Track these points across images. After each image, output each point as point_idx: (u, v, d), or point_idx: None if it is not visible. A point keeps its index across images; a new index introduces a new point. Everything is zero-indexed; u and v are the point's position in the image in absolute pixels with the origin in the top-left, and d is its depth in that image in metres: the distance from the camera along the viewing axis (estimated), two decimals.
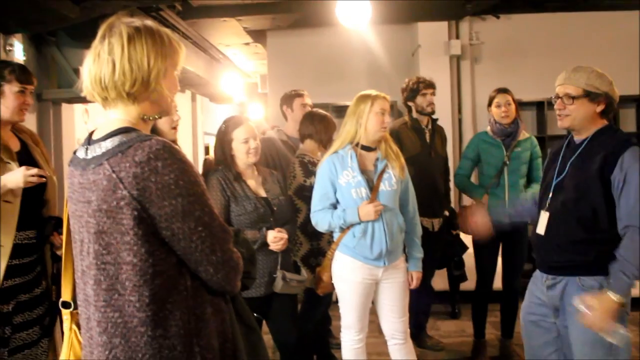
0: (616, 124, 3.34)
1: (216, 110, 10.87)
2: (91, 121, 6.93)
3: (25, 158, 2.60)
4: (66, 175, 1.53)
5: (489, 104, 4.01)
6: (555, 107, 2.42)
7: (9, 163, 2.47)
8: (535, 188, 3.95)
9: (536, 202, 2.69)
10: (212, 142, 10.97)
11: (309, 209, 3.39)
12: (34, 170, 2.42)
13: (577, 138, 2.44)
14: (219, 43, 7.58)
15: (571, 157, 2.42)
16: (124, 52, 1.39)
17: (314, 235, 3.47)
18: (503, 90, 3.95)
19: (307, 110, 3.98)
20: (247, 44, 7.70)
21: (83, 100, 5.95)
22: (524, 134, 4.00)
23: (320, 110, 3.90)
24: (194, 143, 9.29)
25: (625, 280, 2.18)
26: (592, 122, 2.37)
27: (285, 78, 6.70)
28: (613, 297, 2.15)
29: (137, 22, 1.45)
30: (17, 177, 2.39)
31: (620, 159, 2.26)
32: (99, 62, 1.41)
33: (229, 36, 7.27)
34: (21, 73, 2.62)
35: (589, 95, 2.33)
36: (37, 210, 2.62)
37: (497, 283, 4.10)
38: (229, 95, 8.83)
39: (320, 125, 3.67)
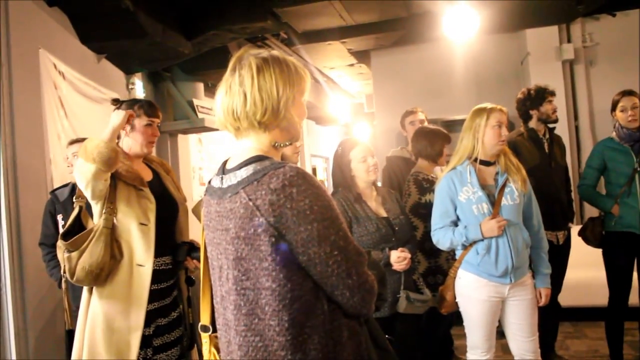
0: None
1: (321, 132, 11.05)
2: (205, 150, 7.27)
3: (158, 186, 2.75)
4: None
5: (613, 109, 3.78)
6: None
7: (141, 190, 2.61)
8: None
9: None
10: (318, 164, 11.19)
11: (425, 227, 3.35)
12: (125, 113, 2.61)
13: None
14: (324, 66, 7.72)
15: None
16: (254, 83, 1.44)
17: (432, 253, 3.42)
18: (628, 93, 3.71)
19: (417, 128, 3.96)
20: (352, 65, 7.78)
21: (197, 130, 6.27)
22: None
23: (428, 126, 3.87)
24: (300, 165, 9.48)
25: None
26: None
27: (391, 96, 6.71)
28: None
29: (264, 53, 1.50)
30: (118, 117, 2.57)
31: None
32: (231, 94, 1.47)
33: (333, 59, 7.38)
34: (149, 107, 2.78)
35: None
36: (171, 236, 2.76)
37: (633, 299, 3.82)
38: (335, 117, 8.96)
39: (424, 141, 3.64)
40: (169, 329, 2.66)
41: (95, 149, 2.38)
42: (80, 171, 2.41)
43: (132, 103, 2.77)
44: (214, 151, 7.46)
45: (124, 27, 4.43)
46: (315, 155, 10.58)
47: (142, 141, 2.73)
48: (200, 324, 1.80)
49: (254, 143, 1.50)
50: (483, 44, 6.24)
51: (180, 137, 6.39)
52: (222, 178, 1.50)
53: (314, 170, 10.61)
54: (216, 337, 1.67)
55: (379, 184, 3.76)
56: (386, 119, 6.44)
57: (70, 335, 2.68)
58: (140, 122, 2.72)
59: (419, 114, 4.42)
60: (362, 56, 7.17)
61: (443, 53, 6.46)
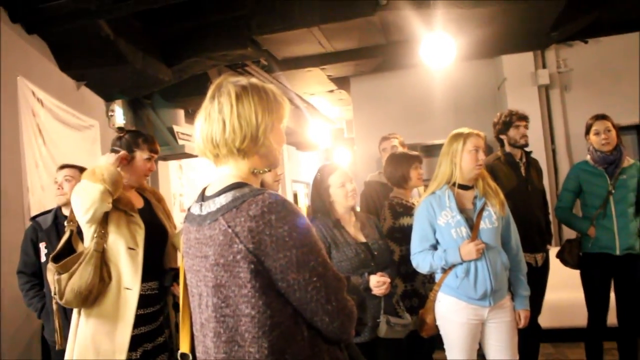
0: None
1: (302, 157, 11.09)
2: (185, 176, 7.25)
3: (148, 214, 2.79)
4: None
5: (587, 132, 3.86)
6: None
7: (132, 215, 2.65)
8: None
9: None
10: (299, 189, 11.20)
11: (400, 250, 3.37)
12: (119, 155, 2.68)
13: None
14: (304, 92, 7.79)
15: None
16: (233, 110, 1.46)
17: (408, 277, 3.43)
18: (601, 117, 3.79)
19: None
20: (332, 91, 7.86)
21: (178, 157, 6.27)
22: (628, 161, 3.80)
23: (396, 152, 3.90)
24: (282, 191, 9.49)
25: None
26: None
27: (371, 122, 6.78)
28: None
29: (243, 80, 1.52)
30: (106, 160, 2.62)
31: None
32: (210, 121, 1.48)
33: (313, 85, 7.45)
34: (151, 142, 2.87)
35: None
36: (159, 262, 2.78)
37: (612, 319, 3.86)
38: (315, 143, 9.01)
39: (389, 167, 3.68)
40: (154, 354, 2.67)
41: (105, 170, 2.50)
42: (84, 192, 2.48)
43: (136, 135, 2.85)
44: (195, 178, 7.45)
45: (104, 55, 4.45)
46: (297, 180, 10.59)
47: (139, 173, 2.83)
48: (179, 352, 1.79)
49: (233, 170, 1.51)
50: (461, 70, 6.36)
51: (161, 163, 6.38)
52: (201, 205, 1.50)
53: (295, 195, 10.60)
54: None
55: (358, 208, 3.78)
56: (366, 145, 6.50)
57: (60, 355, 2.69)
58: (141, 155, 2.81)
59: (393, 140, 4.47)
60: (341, 82, 7.25)
61: (422, 79, 6.56)
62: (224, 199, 1.43)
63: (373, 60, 6.25)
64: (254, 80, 1.54)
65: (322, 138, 8.77)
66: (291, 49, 5.81)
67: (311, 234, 1.42)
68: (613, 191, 3.70)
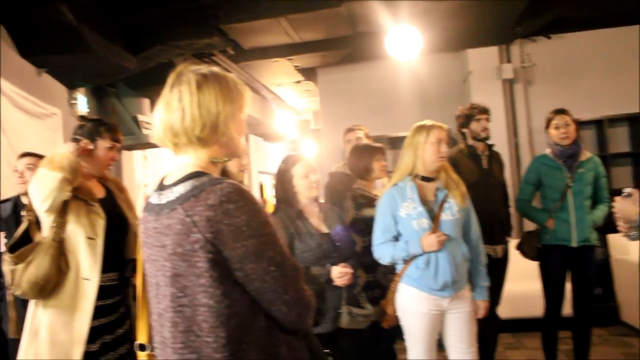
0: None
1: (269, 148, 11.06)
2: (149, 167, 7.17)
3: (109, 204, 2.76)
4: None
5: (547, 126, 3.94)
6: None
7: (92, 205, 2.62)
8: (602, 209, 3.85)
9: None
10: (265, 180, 11.17)
11: (363, 241, 3.39)
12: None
13: None
14: (271, 83, 7.76)
15: None
16: (192, 99, 1.45)
17: (370, 268, 3.46)
18: (561, 111, 3.88)
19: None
20: (298, 82, 7.84)
21: (142, 146, 6.19)
22: (585, 154, 3.90)
23: (359, 143, 3.92)
24: (248, 182, 9.46)
25: None
26: None
27: (338, 113, 6.79)
28: None
29: (204, 69, 1.51)
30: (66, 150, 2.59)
31: None
32: (169, 109, 1.47)
33: (280, 76, 7.43)
34: (114, 131, 2.84)
35: None
36: (119, 253, 2.74)
37: (568, 309, 3.96)
38: (282, 134, 8.99)
39: (352, 158, 3.70)
40: (114, 346, 2.65)
41: (64, 158, 2.46)
42: (43, 180, 2.43)
43: (98, 124, 2.82)
44: (160, 167, 7.38)
45: (67, 42, 4.36)
46: (263, 172, 10.56)
47: (101, 163, 2.80)
48: (137, 342, 1.79)
49: (192, 159, 1.50)
50: (427, 62, 6.40)
51: (125, 153, 6.29)
52: (159, 194, 1.50)
53: (262, 186, 10.57)
54: (154, 355, 1.65)
55: (322, 200, 3.79)
56: (332, 136, 6.50)
57: (14, 344, 2.65)
58: (103, 144, 2.78)
59: (357, 132, 4.48)
60: (308, 73, 7.24)
61: (388, 71, 6.59)
62: (182, 188, 1.43)
63: (340, 51, 6.26)
64: (214, 69, 1.53)
65: (288, 129, 8.76)
66: (258, 38, 5.78)
67: (269, 223, 1.42)
68: (571, 184, 3.79)
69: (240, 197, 1.37)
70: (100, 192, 2.79)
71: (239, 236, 1.35)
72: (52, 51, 4.49)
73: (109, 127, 2.83)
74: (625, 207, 2.24)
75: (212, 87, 1.47)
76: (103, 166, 2.82)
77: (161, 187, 1.51)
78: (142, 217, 1.56)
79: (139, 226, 2.51)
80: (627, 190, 2.28)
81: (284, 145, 11.71)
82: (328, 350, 2.49)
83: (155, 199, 1.51)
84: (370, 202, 3.50)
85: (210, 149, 1.50)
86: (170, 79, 1.51)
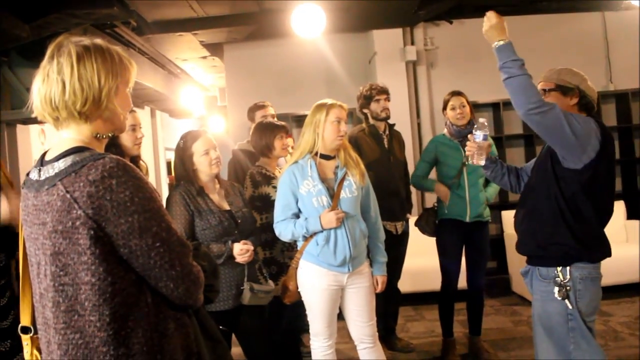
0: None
1: (176, 125, 10.80)
2: (48, 142, 6.81)
3: None
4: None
5: (444, 107, 4.08)
6: None
7: None
8: (494, 186, 4.06)
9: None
10: (173, 157, 10.93)
11: (261, 219, 3.41)
12: None
13: None
14: (176, 58, 7.55)
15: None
16: (73, 72, 1.39)
17: (267, 245, 3.49)
18: (457, 93, 4.03)
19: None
20: (205, 57, 7.69)
21: (38, 121, 5.88)
22: None
23: (263, 120, 3.93)
24: (155, 159, 9.22)
25: None
26: None
27: (244, 90, 6.73)
28: None
29: (86, 40, 1.45)
30: None
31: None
32: (49, 82, 1.41)
33: (186, 50, 7.25)
34: None
35: (561, 89, 2.48)
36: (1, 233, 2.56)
37: (462, 283, 4.16)
38: (189, 110, 8.79)
39: (255, 135, 3.71)
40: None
41: None
42: None
43: None
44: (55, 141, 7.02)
45: None
46: (170, 148, 10.31)
47: None
48: (20, 325, 1.71)
49: (73, 134, 1.45)
50: (333, 42, 6.46)
51: (20, 127, 5.93)
52: (39, 170, 1.43)
53: (169, 164, 10.33)
54: (38, 338, 1.59)
55: (226, 177, 3.76)
56: (238, 113, 6.44)
57: None
58: None
59: (269, 109, 4.48)
60: (215, 49, 7.12)
61: (295, 50, 6.59)
62: (62, 164, 1.37)
63: (246, 27, 6.18)
64: (98, 40, 1.47)
65: (195, 105, 8.58)
66: (161, 11, 5.61)
67: (154, 198, 1.40)
68: (467, 163, 3.96)
69: (124, 172, 1.34)
70: None
71: (122, 212, 1.33)
72: None
73: None
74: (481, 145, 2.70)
75: (94, 59, 1.41)
76: None
77: (42, 163, 1.45)
78: (22, 194, 1.49)
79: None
80: (482, 120, 2.70)
81: (192, 122, 11.49)
82: (224, 328, 2.49)
83: (35, 175, 1.45)
84: (267, 179, 3.52)
85: (93, 124, 1.45)
86: (49, 50, 1.44)
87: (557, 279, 2.39)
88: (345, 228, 2.92)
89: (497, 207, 6.18)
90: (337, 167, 3.04)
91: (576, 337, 2.38)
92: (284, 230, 3.01)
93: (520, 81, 2.32)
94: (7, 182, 2.68)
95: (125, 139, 2.69)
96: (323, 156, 3.03)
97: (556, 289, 2.39)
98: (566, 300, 2.38)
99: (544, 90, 2.50)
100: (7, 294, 2.56)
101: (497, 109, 6.63)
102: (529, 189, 2.63)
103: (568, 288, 2.37)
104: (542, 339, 2.48)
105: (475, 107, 5.98)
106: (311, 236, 2.95)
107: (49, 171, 1.40)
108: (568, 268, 2.39)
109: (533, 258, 2.53)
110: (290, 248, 3.43)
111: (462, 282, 4.15)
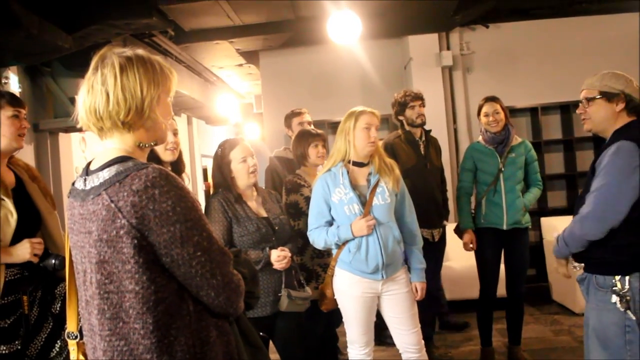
0: None
1: (212, 132, 10.92)
2: (89, 150, 6.96)
3: (21, 195, 2.54)
4: (66, 206, 1.55)
5: (478, 114, 4.04)
6: (578, 111, 2.48)
7: (3, 200, 2.41)
8: (534, 192, 3.99)
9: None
10: (209, 164, 11.05)
11: (292, 226, 3.42)
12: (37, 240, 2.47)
13: (606, 139, 2.43)
14: (213, 65, 7.65)
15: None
16: (116, 82, 1.42)
17: (297, 251, 3.48)
18: (490, 99, 3.98)
19: None
20: (240, 65, 7.76)
21: (80, 129, 6.00)
22: (516, 139, 4.02)
23: (303, 128, 3.95)
24: (191, 166, 9.33)
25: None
26: (614, 121, 2.38)
27: (280, 97, 6.76)
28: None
29: (128, 52, 1.48)
30: (23, 252, 2.42)
31: (604, 153, 2.29)
32: (93, 93, 1.44)
33: (222, 58, 7.33)
34: (11, 98, 2.59)
35: (605, 96, 2.37)
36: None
37: (502, 290, 4.10)
38: (225, 117, 8.89)
39: (294, 144, 3.74)
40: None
41: None
42: None
43: None
44: (99, 151, 7.15)
45: None
46: (206, 155, 10.43)
47: (9, 134, 2.52)
48: (66, 331, 1.75)
49: (117, 144, 1.48)
50: (368, 48, 6.45)
51: (62, 136, 6.07)
52: (85, 179, 1.47)
53: (205, 170, 10.44)
54: (84, 343, 1.63)
55: (263, 184, 3.79)
56: (274, 120, 6.48)
57: None
58: (5, 113, 2.51)
59: (306, 115, 4.49)
60: (251, 57, 7.17)
61: (330, 56, 6.60)
62: (107, 173, 1.40)
63: (282, 35, 6.22)
64: (140, 51, 1.50)
65: (231, 112, 8.67)
66: (198, 20, 5.68)
67: (196, 208, 1.42)
68: (503, 169, 3.90)
69: (166, 182, 1.36)
70: (10, 181, 2.54)
71: (164, 221, 1.35)
72: None
73: (3, 94, 2.58)
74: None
75: (136, 70, 1.44)
76: (13, 139, 2.53)
77: (87, 172, 1.48)
78: (68, 203, 1.53)
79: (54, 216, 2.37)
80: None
81: (227, 129, 11.60)
82: (263, 334, 2.50)
83: (80, 185, 1.48)
84: (296, 188, 3.54)
85: (136, 133, 1.48)
86: (93, 62, 1.47)
87: (614, 288, 2.27)
88: (377, 235, 2.91)
89: (536, 213, 6.07)
90: (370, 173, 3.03)
91: (634, 351, 2.24)
92: (317, 238, 3.02)
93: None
94: (51, 203, 2.69)
95: (158, 147, 2.64)
96: (356, 163, 3.03)
97: (617, 298, 2.26)
98: (628, 311, 2.24)
99: (587, 99, 2.40)
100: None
101: (535, 113, 6.52)
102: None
103: (628, 298, 2.24)
104: (596, 351, 2.34)
105: (513, 112, 5.91)
106: (344, 244, 2.95)
107: (94, 181, 1.43)
108: (627, 278, 2.26)
109: (590, 265, 2.41)
110: (320, 255, 3.45)
111: (501, 290, 4.09)
